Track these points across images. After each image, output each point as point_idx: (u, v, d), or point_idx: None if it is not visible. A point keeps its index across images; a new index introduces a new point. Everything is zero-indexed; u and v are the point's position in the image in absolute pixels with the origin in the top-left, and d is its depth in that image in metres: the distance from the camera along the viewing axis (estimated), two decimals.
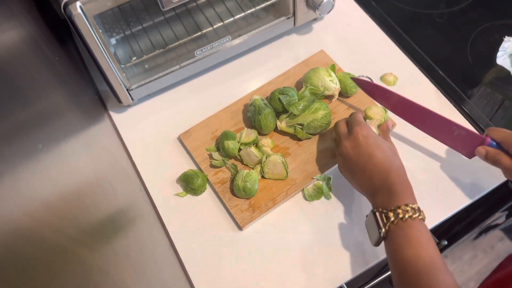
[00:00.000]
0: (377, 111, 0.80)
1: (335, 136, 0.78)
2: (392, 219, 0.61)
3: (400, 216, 0.60)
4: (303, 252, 0.75)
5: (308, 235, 0.76)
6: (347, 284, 0.73)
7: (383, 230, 0.61)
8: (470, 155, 0.73)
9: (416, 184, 0.79)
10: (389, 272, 0.75)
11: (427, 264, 0.56)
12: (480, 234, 1.49)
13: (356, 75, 0.89)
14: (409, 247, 0.58)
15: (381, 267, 0.91)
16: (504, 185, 0.79)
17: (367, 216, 0.67)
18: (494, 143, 0.69)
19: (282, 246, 0.76)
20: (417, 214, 0.61)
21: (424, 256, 0.57)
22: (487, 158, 0.69)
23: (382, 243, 0.64)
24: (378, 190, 0.66)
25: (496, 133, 0.69)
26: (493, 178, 0.78)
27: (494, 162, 0.69)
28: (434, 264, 0.56)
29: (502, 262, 0.80)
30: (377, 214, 0.63)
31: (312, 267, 0.73)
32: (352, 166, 0.70)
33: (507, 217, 1.20)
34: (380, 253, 0.74)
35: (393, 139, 0.84)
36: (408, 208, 0.61)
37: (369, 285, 0.80)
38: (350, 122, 0.74)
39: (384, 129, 0.77)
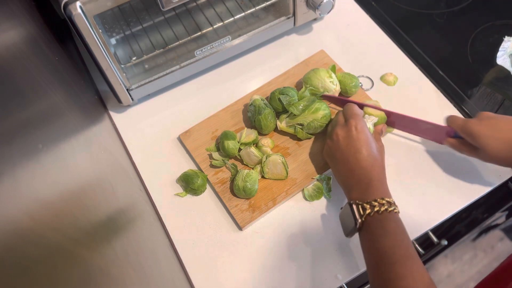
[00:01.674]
0: (376, 112, 0.80)
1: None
2: (369, 211, 0.63)
3: (376, 209, 0.62)
4: (303, 252, 0.75)
5: (308, 235, 0.76)
6: (347, 284, 0.73)
7: (359, 221, 0.63)
8: (442, 142, 0.77)
9: (416, 184, 0.79)
10: None
11: (402, 254, 0.58)
12: (480, 234, 1.49)
13: (357, 75, 0.89)
14: (385, 237, 0.60)
15: None
16: (504, 185, 0.79)
17: (341, 208, 0.69)
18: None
19: (281, 246, 0.76)
20: (392, 208, 0.63)
21: (400, 246, 0.59)
22: (453, 147, 0.74)
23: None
24: (356, 183, 0.68)
25: (453, 122, 0.73)
26: (493, 178, 0.78)
27: (459, 151, 0.74)
28: (410, 255, 0.58)
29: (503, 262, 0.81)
30: (354, 206, 0.65)
31: (312, 267, 0.73)
32: (338, 155, 0.72)
33: (507, 217, 1.20)
34: None
35: (393, 139, 0.84)
36: (384, 202, 0.63)
37: (369, 285, 0.80)
38: (345, 113, 0.75)
39: (378, 131, 0.78)
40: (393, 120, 0.81)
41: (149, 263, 0.61)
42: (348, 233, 0.67)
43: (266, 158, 0.79)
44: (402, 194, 0.78)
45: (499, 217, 1.19)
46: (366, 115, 0.79)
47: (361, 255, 0.73)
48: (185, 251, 0.77)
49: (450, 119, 0.74)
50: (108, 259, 0.46)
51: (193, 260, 0.76)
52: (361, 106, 0.81)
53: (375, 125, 0.79)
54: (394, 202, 0.64)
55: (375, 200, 0.63)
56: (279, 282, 0.73)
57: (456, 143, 0.74)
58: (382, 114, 0.80)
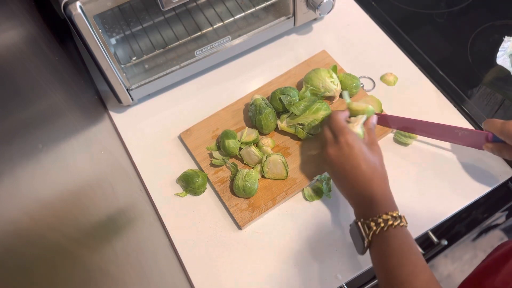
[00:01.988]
0: (360, 106, 0.76)
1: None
2: (374, 229, 0.61)
3: (381, 225, 0.61)
4: (303, 252, 0.75)
5: (308, 235, 0.76)
6: (347, 284, 0.73)
7: (366, 240, 0.62)
8: (480, 147, 0.75)
9: (416, 184, 0.79)
10: None
11: (410, 272, 0.57)
12: (480, 234, 1.49)
13: (357, 75, 0.89)
14: (391, 256, 0.59)
15: None
16: (504, 185, 0.79)
17: (350, 225, 0.68)
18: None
19: (281, 246, 0.76)
20: (398, 222, 0.61)
21: (407, 265, 0.58)
22: (493, 153, 0.72)
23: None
24: (360, 200, 0.67)
25: (491, 126, 0.71)
26: (493, 178, 0.78)
27: (500, 155, 0.71)
28: (418, 272, 0.57)
29: (490, 253, 0.81)
30: (359, 224, 0.64)
31: (312, 267, 0.73)
32: (336, 173, 0.70)
33: (507, 217, 1.20)
34: None
35: (392, 138, 0.84)
36: (389, 217, 0.62)
37: (369, 285, 0.81)
38: (332, 129, 0.72)
39: (370, 127, 0.74)
40: (422, 129, 0.78)
41: (149, 263, 0.61)
42: (361, 251, 0.65)
43: (266, 157, 0.79)
44: (402, 194, 0.78)
45: (499, 217, 1.19)
46: (352, 118, 0.76)
47: (361, 255, 0.73)
48: (185, 251, 0.76)
49: (488, 123, 0.71)
50: (108, 259, 0.46)
51: (193, 260, 0.76)
52: (390, 119, 0.79)
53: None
54: (399, 215, 0.63)
55: (379, 217, 0.62)
56: (279, 282, 0.73)
57: (495, 147, 0.71)
58: (368, 108, 0.75)
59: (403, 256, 0.59)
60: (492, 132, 0.70)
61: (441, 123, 0.77)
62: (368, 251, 0.64)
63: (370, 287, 0.81)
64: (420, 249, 0.62)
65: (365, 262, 0.73)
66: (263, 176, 0.80)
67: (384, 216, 0.62)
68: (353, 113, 0.76)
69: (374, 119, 0.76)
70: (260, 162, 0.80)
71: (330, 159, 0.70)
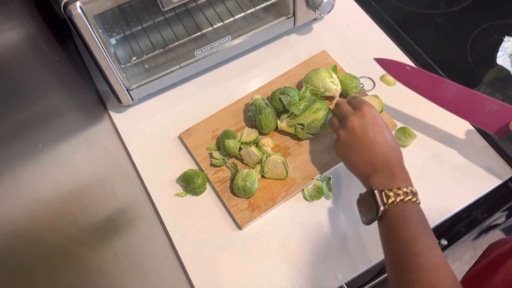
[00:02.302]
0: (374, 100, 0.79)
1: (332, 120, 0.76)
2: (393, 199, 0.60)
3: (401, 197, 0.60)
4: (303, 252, 0.75)
5: (308, 235, 0.76)
6: (347, 284, 0.73)
7: (382, 208, 0.60)
8: (502, 132, 0.71)
9: (416, 184, 0.79)
10: None
11: (425, 245, 0.57)
12: (480, 234, 1.48)
13: (357, 75, 0.89)
14: (408, 228, 0.59)
15: (381, 267, 0.91)
16: (504, 185, 0.79)
17: (360, 194, 0.66)
18: None
19: (281, 246, 0.76)
20: (415, 198, 0.61)
21: (423, 238, 0.57)
22: None
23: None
24: (379, 169, 0.65)
25: None
26: (493, 178, 0.78)
27: None
28: (432, 246, 0.57)
29: (483, 252, 0.80)
30: (376, 192, 0.62)
31: (312, 267, 0.73)
32: (354, 143, 0.69)
33: (507, 217, 1.20)
34: (380, 253, 0.74)
35: None
36: (408, 191, 0.61)
37: (369, 285, 0.81)
38: (355, 102, 0.73)
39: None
40: (443, 95, 0.73)
41: (149, 263, 0.61)
42: (368, 221, 0.64)
43: (266, 157, 0.79)
44: None
45: (499, 217, 1.19)
46: None
47: (361, 255, 0.73)
48: (185, 251, 0.77)
49: None
50: (108, 259, 0.46)
51: (193, 260, 0.76)
52: (412, 70, 0.77)
53: None
54: (416, 192, 0.62)
55: (399, 188, 0.61)
56: (279, 282, 0.73)
57: None
58: (380, 102, 0.79)
59: (419, 229, 0.58)
60: None
61: (469, 88, 0.72)
62: (374, 224, 0.63)
63: (370, 287, 0.81)
64: None
65: (365, 262, 0.73)
66: (263, 176, 0.80)
67: (404, 189, 0.61)
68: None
69: None
70: (260, 162, 0.80)
71: (352, 126, 0.69)
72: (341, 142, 0.71)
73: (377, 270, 0.92)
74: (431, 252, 0.56)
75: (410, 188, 0.61)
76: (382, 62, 0.81)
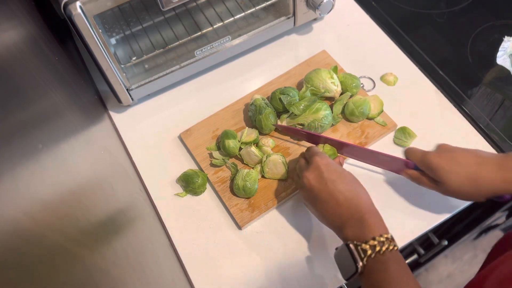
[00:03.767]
0: (327, 148, 0.78)
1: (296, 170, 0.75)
2: (369, 252, 0.57)
3: (377, 249, 0.57)
4: (303, 252, 0.75)
5: (308, 235, 0.76)
6: (347, 284, 0.73)
7: (360, 264, 0.58)
8: (400, 173, 0.75)
9: (416, 185, 0.79)
10: None
11: None
12: (480, 234, 1.49)
13: (357, 75, 0.89)
14: (390, 282, 0.56)
15: None
16: None
17: (337, 248, 0.64)
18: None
19: (281, 246, 0.76)
20: (392, 245, 0.58)
21: None
22: (412, 180, 0.72)
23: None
24: (347, 220, 0.62)
25: (411, 155, 0.71)
26: None
27: (418, 183, 0.71)
28: None
29: (490, 253, 0.80)
30: (352, 246, 0.59)
31: (312, 267, 0.73)
32: (316, 197, 0.66)
33: (507, 217, 1.20)
34: None
35: (392, 139, 0.84)
36: (383, 239, 0.58)
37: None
38: (307, 155, 0.71)
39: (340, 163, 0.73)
40: (349, 151, 0.78)
41: (149, 263, 0.61)
42: (348, 277, 0.60)
43: (267, 157, 0.79)
44: (402, 194, 0.78)
45: (499, 217, 1.19)
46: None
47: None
48: (185, 251, 0.77)
49: (408, 151, 0.71)
50: (108, 259, 0.46)
51: (193, 259, 0.76)
52: (317, 142, 0.80)
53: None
54: (392, 237, 0.59)
55: (374, 239, 0.58)
56: (279, 282, 0.73)
57: (415, 175, 0.70)
58: (334, 149, 0.78)
59: (402, 281, 0.56)
60: (412, 161, 0.71)
61: (364, 147, 0.78)
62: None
63: None
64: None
65: None
66: (263, 176, 0.80)
67: (379, 238, 0.58)
68: (324, 150, 0.78)
69: (342, 158, 0.75)
70: (260, 162, 0.80)
71: (308, 182, 0.66)
72: (304, 198, 0.69)
73: None
74: None
75: (385, 235, 0.59)
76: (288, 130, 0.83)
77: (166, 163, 0.85)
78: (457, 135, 0.83)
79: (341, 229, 0.63)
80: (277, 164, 0.79)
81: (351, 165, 0.81)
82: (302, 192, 0.69)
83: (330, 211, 0.64)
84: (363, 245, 0.58)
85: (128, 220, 0.62)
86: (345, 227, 0.62)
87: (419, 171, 0.70)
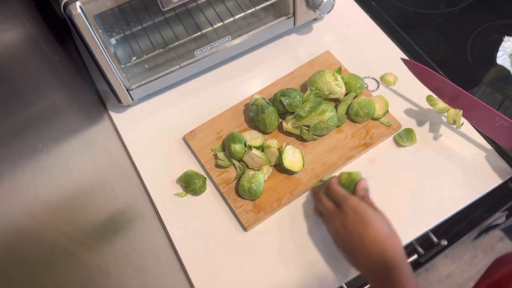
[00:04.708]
0: (348, 174, 0.73)
1: (318, 207, 0.73)
2: None
3: None
4: (304, 252, 0.75)
5: (310, 237, 0.76)
6: (347, 284, 0.73)
7: None
8: (510, 146, 0.73)
9: (416, 185, 0.79)
10: None
11: None
12: (480, 234, 1.49)
13: (362, 76, 0.88)
14: None
15: None
16: (504, 185, 0.79)
17: None
18: None
19: (281, 246, 0.76)
20: None
21: None
22: None
23: None
24: (376, 275, 0.60)
25: None
26: (493, 178, 0.78)
27: None
28: None
29: (490, 267, 0.79)
30: None
31: (312, 267, 0.73)
32: (345, 245, 0.64)
33: (507, 217, 1.20)
34: None
35: (392, 138, 0.84)
36: None
37: (369, 285, 0.80)
38: (336, 198, 0.68)
39: (363, 193, 0.69)
40: (463, 105, 0.75)
41: (149, 263, 0.61)
42: None
43: (286, 144, 0.79)
44: (403, 195, 0.78)
45: (499, 217, 1.19)
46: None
47: None
48: (185, 251, 0.76)
49: None
50: (108, 259, 0.46)
51: (193, 260, 0.76)
52: (438, 82, 0.78)
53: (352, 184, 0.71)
54: None
55: None
56: (279, 282, 0.73)
57: None
58: (356, 174, 0.72)
59: None
60: None
61: (486, 105, 0.74)
62: None
63: (370, 287, 0.81)
64: None
65: None
66: (279, 166, 0.79)
67: None
68: (342, 181, 0.72)
69: (365, 182, 0.70)
70: (265, 163, 0.79)
71: (337, 231, 0.64)
72: (334, 243, 0.68)
73: None
74: None
75: None
76: (408, 63, 0.83)
77: (166, 163, 0.85)
78: (458, 135, 0.83)
79: (370, 280, 0.61)
80: (295, 152, 0.78)
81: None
82: (331, 233, 0.68)
83: (359, 263, 0.63)
84: None
85: (128, 220, 0.62)
86: (372, 280, 0.61)
87: None
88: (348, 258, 0.65)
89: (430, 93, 0.83)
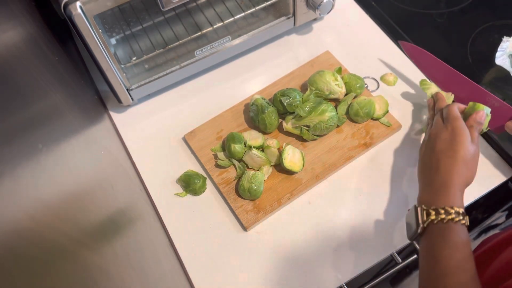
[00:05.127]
0: (477, 105, 0.73)
1: (431, 112, 0.78)
2: (433, 218, 0.60)
3: (442, 217, 0.59)
4: (304, 252, 0.75)
5: (309, 236, 0.76)
6: (347, 284, 0.73)
7: (421, 226, 0.61)
8: (499, 129, 0.73)
9: (417, 184, 0.79)
10: (389, 272, 0.75)
11: (458, 266, 0.56)
12: (480, 234, 1.48)
13: (362, 76, 0.88)
14: (444, 247, 0.58)
15: (381, 267, 0.91)
16: (504, 185, 0.79)
17: (409, 210, 0.67)
18: None
19: (282, 246, 0.76)
20: (460, 218, 0.59)
21: (458, 258, 0.56)
22: None
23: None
24: (431, 184, 0.64)
25: None
26: (493, 178, 0.78)
27: None
28: (466, 268, 0.56)
29: (475, 248, 0.80)
30: (419, 210, 0.62)
31: (312, 267, 0.73)
32: (428, 154, 0.68)
33: (507, 217, 1.20)
34: (380, 253, 0.74)
35: (397, 138, 0.84)
36: (452, 211, 0.59)
37: (369, 285, 0.80)
38: (447, 115, 0.71)
39: (473, 123, 0.70)
40: (455, 86, 0.76)
41: (149, 263, 0.61)
42: (411, 237, 0.64)
43: (286, 144, 0.79)
44: (403, 193, 0.78)
45: (499, 217, 1.18)
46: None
47: (361, 255, 0.73)
48: (185, 251, 0.76)
49: None
50: (108, 259, 0.46)
51: (193, 259, 0.76)
52: (432, 62, 0.79)
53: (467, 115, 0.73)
54: (464, 212, 0.60)
55: (443, 208, 0.60)
56: (279, 282, 0.73)
57: None
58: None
59: (456, 249, 0.57)
60: None
61: (476, 84, 0.75)
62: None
63: (370, 287, 0.81)
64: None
65: (365, 262, 0.73)
66: (279, 165, 0.79)
67: (448, 209, 0.59)
68: (467, 108, 0.73)
69: (479, 115, 0.70)
70: (265, 163, 0.79)
71: (431, 138, 0.69)
72: (422, 148, 0.72)
73: (377, 270, 0.91)
74: (463, 273, 0.55)
75: (456, 208, 0.60)
76: (405, 45, 0.85)
77: (166, 163, 0.85)
78: None
79: (421, 190, 0.66)
80: (295, 152, 0.78)
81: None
82: (425, 141, 0.72)
83: (424, 170, 0.68)
84: (430, 211, 0.60)
85: (128, 220, 0.62)
86: (424, 190, 0.65)
87: None
88: (424, 161, 0.69)
89: (423, 93, 0.84)
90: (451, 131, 0.67)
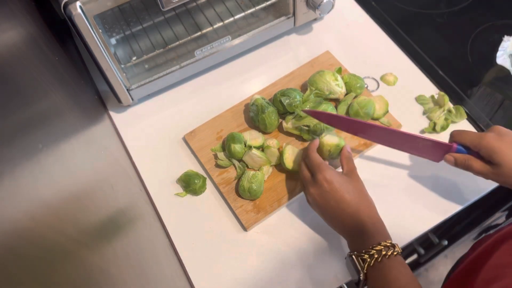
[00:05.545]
0: (331, 139, 0.77)
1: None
2: (368, 261, 0.61)
3: (375, 257, 0.60)
4: (305, 252, 0.75)
5: (310, 235, 0.76)
6: (347, 284, 0.73)
7: (362, 274, 0.62)
8: (439, 159, 0.73)
9: (416, 184, 0.79)
10: None
11: None
12: (480, 234, 1.48)
13: (362, 76, 0.88)
14: (387, 285, 0.59)
15: None
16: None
17: (345, 258, 0.68)
18: (462, 148, 0.68)
19: (281, 246, 0.76)
20: (391, 251, 0.60)
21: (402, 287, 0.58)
22: (457, 164, 0.69)
23: None
24: (351, 234, 0.66)
25: (463, 136, 0.68)
26: None
27: (465, 167, 0.68)
28: None
29: (467, 252, 0.80)
30: (354, 257, 0.63)
31: (312, 267, 0.73)
32: (323, 212, 0.69)
33: (507, 217, 1.20)
34: None
35: None
36: (381, 247, 0.61)
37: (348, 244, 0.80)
38: (310, 167, 0.72)
39: (347, 156, 0.73)
40: (382, 137, 0.74)
41: (149, 263, 0.61)
42: (356, 283, 0.64)
43: (286, 144, 0.79)
44: (403, 194, 0.78)
45: (499, 217, 1.19)
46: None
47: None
48: (185, 251, 0.76)
49: (458, 133, 0.69)
50: (108, 259, 0.46)
51: (193, 259, 0.76)
52: (349, 122, 0.74)
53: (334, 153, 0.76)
54: (392, 243, 0.62)
55: (372, 248, 0.61)
56: (279, 282, 0.73)
57: (462, 158, 0.68)
58: (339, 141, 0.76)
59: (398, 281, 0.59)
60: (462, 143, 0.68)
61: (402, 131, 0.72)
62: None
63: None
64: (414, 277, 0.61)
65: None
66: (279, 165, 0.80)
67: (377, 247, 0.61)
68: (325, 147, 0.76)
69: (348, 148, 0.75)
70: (265, 163, 0.79)
71: (314, 199, 0.69)
72: (311, 205, 0.72)
73: None
74: None
75: (384, 243, 0.61)
76: (312, 113, 0.78)
77: (166, 163, 0.85)
78: None
79: (348, 242, 0.67)
80: (295, 152, 0.79)
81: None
82: (311, 204, 0.72)
83: (337, 226, 0.69)
84: (363, 255, 0.62)
85: (128, 220, 0.62)
86: (350, 240, 0.67)
87: (465, 154, 0.68)
88: (326, 220, 0.70)
89: (423, 93, 0.85)
90: (324, 182, 0.68)
